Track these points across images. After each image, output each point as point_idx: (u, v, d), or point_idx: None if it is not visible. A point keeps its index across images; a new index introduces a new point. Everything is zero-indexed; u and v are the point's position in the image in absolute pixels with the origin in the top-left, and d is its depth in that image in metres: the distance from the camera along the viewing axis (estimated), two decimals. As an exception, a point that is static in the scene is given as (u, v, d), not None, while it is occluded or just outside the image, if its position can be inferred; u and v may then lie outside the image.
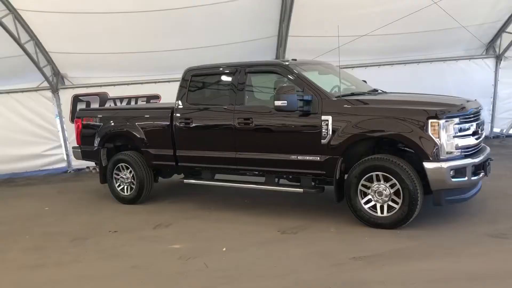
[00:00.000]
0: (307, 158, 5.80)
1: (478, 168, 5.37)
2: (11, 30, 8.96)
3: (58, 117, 10.71)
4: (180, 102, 6.83)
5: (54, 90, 10.50)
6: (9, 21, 8.93)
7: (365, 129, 5.44)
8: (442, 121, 5.10)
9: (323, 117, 5.65)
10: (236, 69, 6.43)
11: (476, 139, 5.48)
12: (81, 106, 10.54)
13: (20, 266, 5.10)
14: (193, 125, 6.64)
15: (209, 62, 7.14)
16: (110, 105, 10.56)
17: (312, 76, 6.27)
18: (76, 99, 10.64)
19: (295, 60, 6.45)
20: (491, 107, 11.21)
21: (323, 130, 5.65)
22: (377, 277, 4.21)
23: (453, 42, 10.75)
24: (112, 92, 10.66)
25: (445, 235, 5.10)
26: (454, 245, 4.81)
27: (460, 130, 5.26)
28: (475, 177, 5.31)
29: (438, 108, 5.22)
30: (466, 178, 5.19)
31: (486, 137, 10.82)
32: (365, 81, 7.17)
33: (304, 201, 6.72)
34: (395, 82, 10.05)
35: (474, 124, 5.46)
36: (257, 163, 6.22)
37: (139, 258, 5.07)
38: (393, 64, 10.83)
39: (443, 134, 5.09)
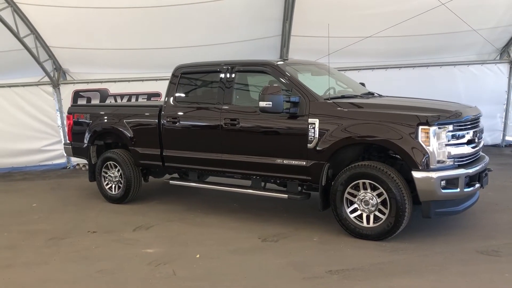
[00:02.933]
0: (293, 162, 5.52)
1: (473, 179, 5.01)
2: (9, 24, 8.84)
3: (59, 112, 10.61)
4: (168, 100, 6.62)
5: (55, 85, 10.40)
6: (8, 14, 8.82)
7: (352, 134, 5.11)
8: (433, 128, 4.76)
9: (310, 120, 5.35)
10: (226, 68, 6.17)
11: (473, 147, 5.11)
12: (81, 102, 10.45)
13: (-13, 266, 4.93)
14: (180, 124, 6.42)
15: (211, 60, 6.86)
16: (110, 102, 10.43)
17: (304, 77, 6.00)
18: (76, 94, 10.53)
19: (287, 59, 6.17)
20: (504, 114, 10.72)
21: (309, 134, 5.35)
22: (350, 294, 3.93)
23: (465, 46, 10.30)
24: (113, 88, 10.53)
25: (432, 250, 4.75)
26: (440, 261, 4.47)
27: (454, 137, 4.90)
28: (469, 189, 4.94)
29: (430, 114, 4.87)
30: (458, 190, 4.83)
31: (497, 145, 10.55)
32: (363, 84, 6.85)
33: (291, 207, 6.45)
34: (403, 86, 9.77)
35: (471, 132, 5.10)
36: (243, 166, 5.95)
37: (109, 262, 4.85)
38: (401, 67, 10.44)
39: (434, 141, 4.75)
